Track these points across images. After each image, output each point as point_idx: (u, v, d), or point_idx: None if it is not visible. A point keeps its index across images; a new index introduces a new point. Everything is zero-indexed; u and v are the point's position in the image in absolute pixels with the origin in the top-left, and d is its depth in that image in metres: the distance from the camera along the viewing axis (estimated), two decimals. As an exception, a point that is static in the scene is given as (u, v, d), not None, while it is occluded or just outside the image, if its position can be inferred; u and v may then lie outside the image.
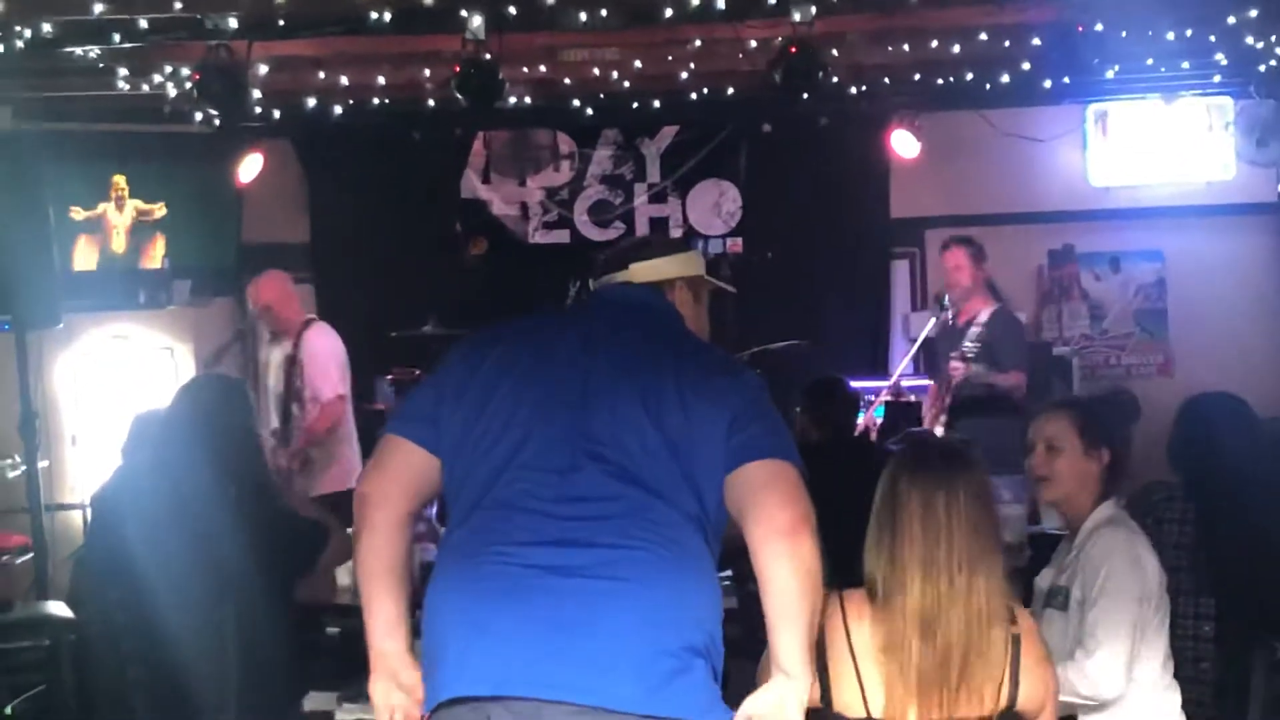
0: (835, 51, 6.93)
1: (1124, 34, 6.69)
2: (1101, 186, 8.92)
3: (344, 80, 7.26)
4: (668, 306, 3.03)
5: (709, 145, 8.96)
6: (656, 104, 8.10)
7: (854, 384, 6.35)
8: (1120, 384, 6.91)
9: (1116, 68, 7.49)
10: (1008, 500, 5.01)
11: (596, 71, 7.38)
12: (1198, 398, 4.64)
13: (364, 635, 2.84)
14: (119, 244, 7.99)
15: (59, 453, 7.20)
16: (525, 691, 2.53)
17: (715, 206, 9.03)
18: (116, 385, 7.86)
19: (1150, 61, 7.43)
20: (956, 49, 7.06)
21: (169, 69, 6.85)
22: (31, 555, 6.16)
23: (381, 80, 7.31)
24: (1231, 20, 6.51)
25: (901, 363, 8.11)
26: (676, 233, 8.97)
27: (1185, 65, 7.59)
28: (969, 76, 7.65)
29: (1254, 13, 6.38)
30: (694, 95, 7.91)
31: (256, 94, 6.99)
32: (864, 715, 2.88)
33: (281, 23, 6.15)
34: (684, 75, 7.46)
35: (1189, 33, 6.81)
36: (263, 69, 6.75)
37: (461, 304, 8.02)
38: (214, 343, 6.95)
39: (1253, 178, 8.72)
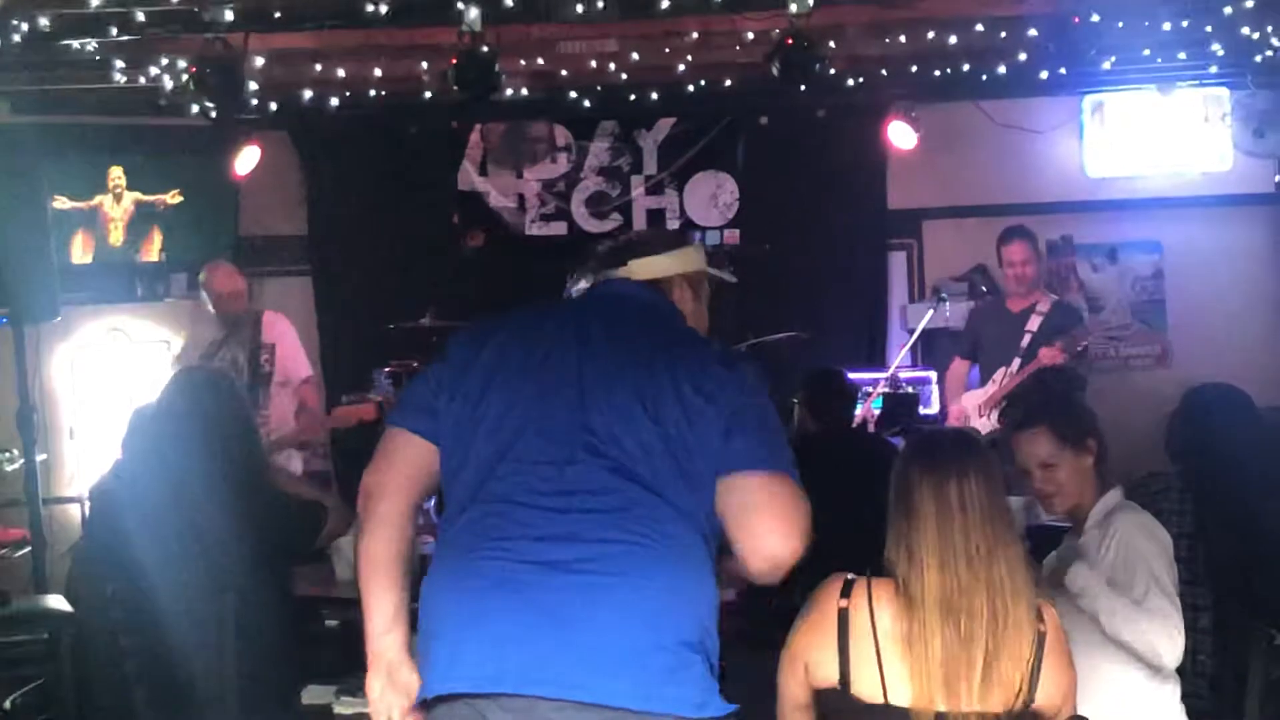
0: (832, 43, 6.93)
1: (1120, 25, 6.70)
2: (1098, 177, 8.92)
3: (341, 73, 7.25)
4: (666, 304, 3.02)
5: (706, 137, 8.95)
6: (654, 96, 8.08)
7: (852, 375, 6.37)
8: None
9: (1113, 59, 7.48)
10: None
11: (593, 63, 7.38)
12: (1196, 389, 4.66)
13: (362, 628, 2.84)
14: (116, 237, 7.99)
15: (57, 446, 7.22)
16: (520, 688, 2.52)
17: (712, 198, 9.03)
18: (114, 378, 7.87)
19: (1147, 52, 7.42)
20: (953, 40, 7.06)
21: (166, 62, 6.83)
22: (29, 549, 6.16)
23: (378, 72, 7.30)
24: (1228, 11, 6.51)
25: (899, 354, 8.11)
26: (674, 224, 8.97)
27: (1182, 56, 7.58)
28: (966, 68, 7.64)
29: (1250, 3, 6.38)
30: (691, 87, 7.89)
31: (253, 86, 6.99)
32: (881, 701, 2.89)
33: (278, 15, 6.16)
34: (681, 67, 7.45)
35: (1185, 23, 6.81)
36: (259, 61, 6.74)
37: (459, 296, 8.02)
38: (210, 336, 6.94)
39: (1250, 168, 8.71)
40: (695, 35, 6.97)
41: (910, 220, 9.04)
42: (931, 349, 8.43)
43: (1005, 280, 7.41)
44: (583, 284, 3.18)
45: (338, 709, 3.83)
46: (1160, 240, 8.95)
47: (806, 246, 8.85)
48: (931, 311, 7.97)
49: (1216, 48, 7.33)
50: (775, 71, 6.41)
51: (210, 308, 6.96)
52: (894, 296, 9.06)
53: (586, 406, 2.71)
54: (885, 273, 9.06)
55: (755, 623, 4.27)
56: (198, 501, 4.03)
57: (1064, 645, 3.01)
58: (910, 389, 7.76)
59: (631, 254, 3.06)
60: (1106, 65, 7.58)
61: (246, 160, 8.30)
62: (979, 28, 6.93)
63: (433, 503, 6.37)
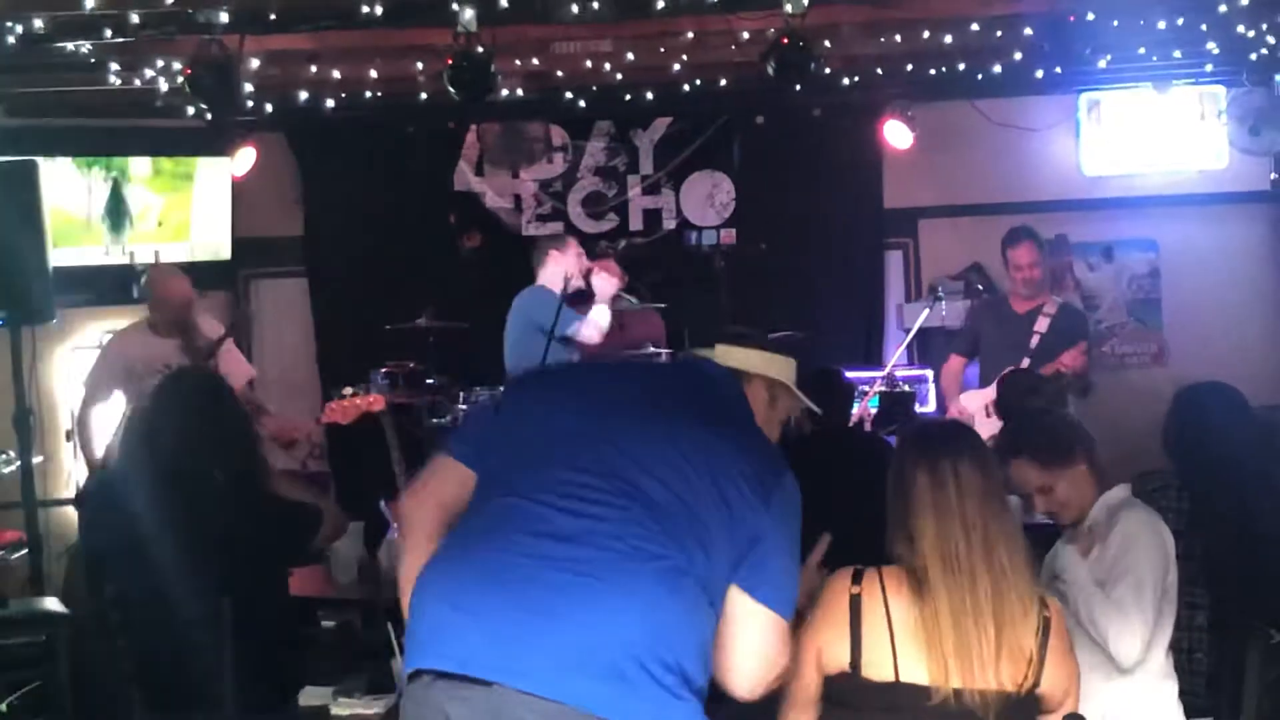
0: (828, 42, 6.93)
1: (1115, 23, 6.70)
2: (1094, 176, 8.93)
3: (336, 74, 7.25)
4: (739, 393, 3.11)
5: (702, 137, 8.96)
6: (649, 96, 8.09)
7: (848, 374, 6.36)
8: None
9: (1109, 57, 7.49)
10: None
11: (589, 64, 7.38)
12: (1191, 387, 4.66)
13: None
14: (112, 238, 7.98)
15: (54, 448, 7.20)
16: (485, 674, 2.52)
17: (708, 198, 9.03)
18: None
19: (1142, 50, 7.43)
20: (949, 39, 7.07)
21: (161, 64, 6.83)
22: (26, 551, 6.15)
23: (374, 74, 7.31)
24: (1223, 9, 6.51)
25: (895, 353, 8.12)
26: (670, 224, 8.99)
27: (1177, 54, 7.58)
28: (961, 67, 7.65)
29: (1245, 1, 6.38)
30: (687, 87, 7.90)
31: (249, 88, 6.99)
32: (892, 679, 2.95)
33: (273, 16, 6.15)
34: (677, 67, 7.45)
35: (1180, 21, 6.81)
36: (254, 63, 6.74)
37: (456, 297, 8.02)
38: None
39: (1246, 166, 8.71)
40: (690, 35, 6.97)
41: (906, 219, 9.05)
42: (928, 348, 8.43)
43: (1012, 282, 7.32)
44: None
45: (335, 710, 3.82)
46: (1156, 238, 8.96)
47: (803, 246, 8.86)
48: (928, 310, 7.98)
49: (1212, 46, 7.33)
50: (771, 71, 6.41)
51: (154, 315, 6.87)
52: (890, 295, 9.07)
53: (622, 449, 2.77)
54: (881, 272, 9.07)
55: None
56: (193, 503, 4.03)
57: (1067, 636, 3.08)
58: (907, 387, 7.76)
59: (722, 339, 3.18)
60: (1102, 64, 7.59)
61: (242, 162, 8.31)
62: (974, 27, 6.93)
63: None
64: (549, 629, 2.53)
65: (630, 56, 7.23)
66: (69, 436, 7.80)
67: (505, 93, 7.50)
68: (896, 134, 8.48)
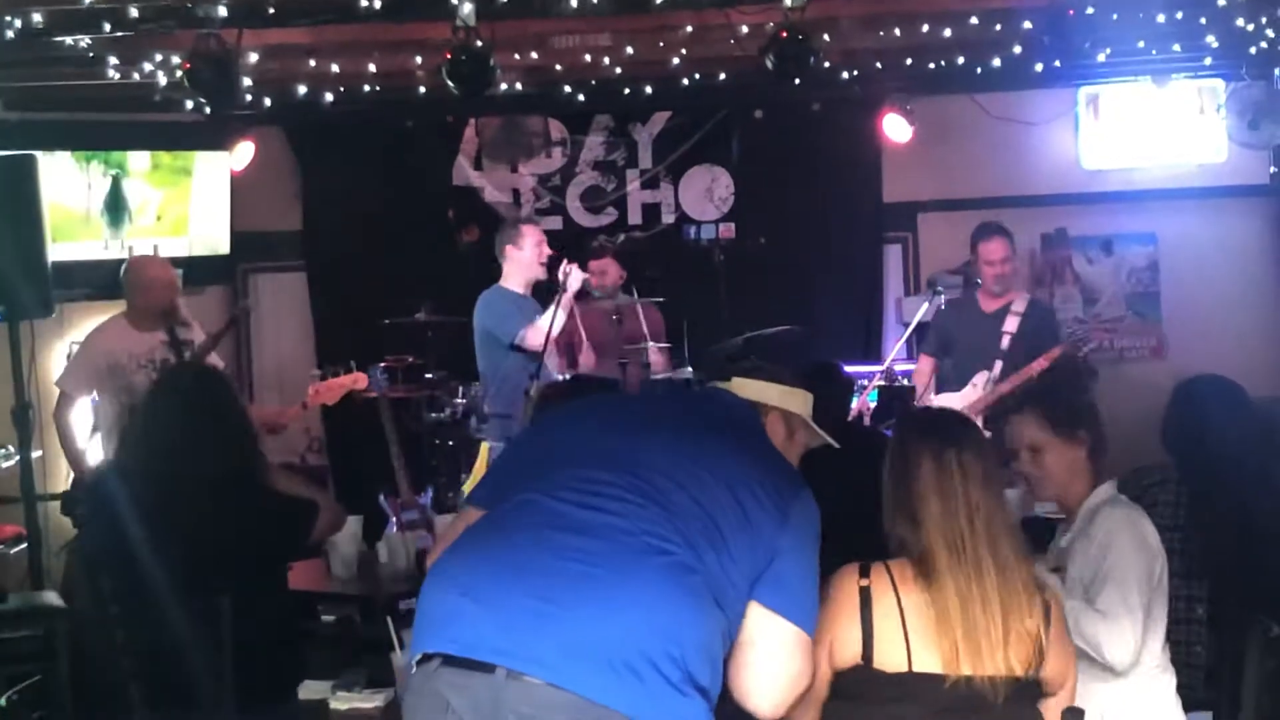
0: (827, 36, 6.93)
1: (1115, 17, 6.69)
2: (1093, 169, 8.93)
3: (335, 68, 7.25)
4: (757, 423, 3.13)
5: (701, 131, 8.96)
6: (648, 90, 8.08)
7: (848, 368, 6.36)
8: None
9: (1108, 51, 7.48)
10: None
11: (588, 58, 7.37)
12: (1190, 380, 4.65)
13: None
14: (111, 233, 7.98)
15: (53, 442, 7.18)
16: (491, 657, 2.52)
17: (707, 192, 9.03)
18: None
19: (1141, 44, 7.41)
20: (948, 33, 7.06)
21: (159, 58, 6.82)
22: (25, 545, 6.15)
23: (372, 68, 7.30)
24: (1222, 2, 6.52)
25: (895, 347, 8.11)
26: (669, 219, 8.99)
27: (1176, 48, 7.57)
28: (960, 60, 7.64)
29: (1244, -5, 6.40)
30: (686, 81, 7.89)
31: (247, 82, 6.98)
32: (905, 669, 2.97)
33: (272, 10, 6.14)
34: (675, 61, 7.45)
35: (1179, 15, 6.81)
36: (253, 57, 6.74)
37: (454, 291, 8.01)
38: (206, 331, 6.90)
39: (1245, 160, 8.72)
40: (689, 29, 6.97)
41: (905, 213, 9.06)
42: (927, 342, 8.42)
43: (983, 278, 7.30)
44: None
45: (334, 704, 3.82)
46: (1155, 232, 8.96)
47: (802, 240, 8.87)
48: (927, 304, 7.95)
49: (1211, 39, 7.34)
50: (770, 65, 6.40)
51: (135, 306, 6.79)
52: (889, 289, 9.08)
53: (642, 457, 2.80)
54: (880, 266, 9.07)
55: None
56: (192, 497, 4.03)
57: (1064, 620, 3.11)
58: (905, 381, 7.75)
59: (740, 372, 3.21)
60: (1101, 57, 7.59)
61: (241, 156, 8.30)
62: (973, 20, 6.93)
63: (429, 498, 6.40)
64: (558, 617, 2.54)
65: (629, 51, 7.23)
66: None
67: (504, 87, 7.49)
68: (895, 128, 8.47)
